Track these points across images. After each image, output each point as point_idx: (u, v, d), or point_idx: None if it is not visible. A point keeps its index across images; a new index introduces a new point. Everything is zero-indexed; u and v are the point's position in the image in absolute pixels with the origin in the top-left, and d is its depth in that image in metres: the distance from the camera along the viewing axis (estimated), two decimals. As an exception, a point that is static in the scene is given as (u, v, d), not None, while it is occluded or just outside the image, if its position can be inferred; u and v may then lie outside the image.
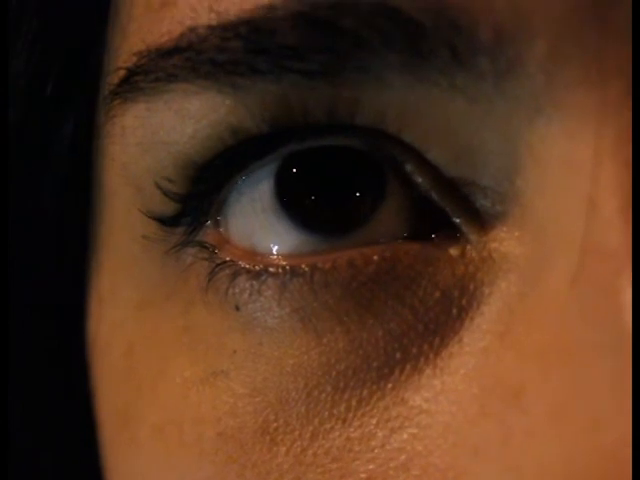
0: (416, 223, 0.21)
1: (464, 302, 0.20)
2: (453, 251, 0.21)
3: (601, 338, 0.18)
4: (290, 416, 0.21)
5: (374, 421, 0.20)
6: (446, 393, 0.20)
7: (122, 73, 0.22)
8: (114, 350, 0.24)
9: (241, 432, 0.21)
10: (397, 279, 0.21)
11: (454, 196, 0.21)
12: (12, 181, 0.25)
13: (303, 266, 0.21)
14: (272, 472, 0.21)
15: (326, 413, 0.21)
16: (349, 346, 0.21)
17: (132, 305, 0.24)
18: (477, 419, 0.19)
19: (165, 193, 0.22)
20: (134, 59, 0.21)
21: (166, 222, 0.22)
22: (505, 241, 0.20)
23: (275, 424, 0.21)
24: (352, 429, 0.20)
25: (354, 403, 0.20)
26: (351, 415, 0.20)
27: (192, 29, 0.20)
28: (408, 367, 0.20)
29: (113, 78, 0.22)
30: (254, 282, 0.21)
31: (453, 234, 0.21)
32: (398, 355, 0.20)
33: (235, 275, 0.22)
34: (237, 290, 0.22)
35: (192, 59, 0.20)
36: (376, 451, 0.20)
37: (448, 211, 0.21)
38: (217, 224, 0.22)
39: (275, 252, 0.22)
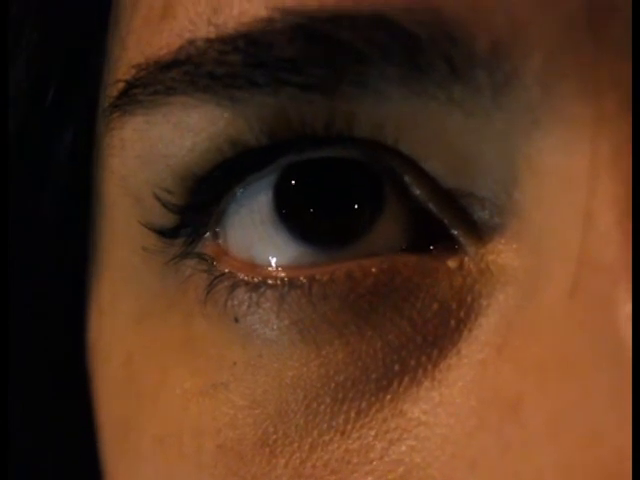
0: (414, 235, 0.21)
1: (462, 314, 0.20)
2: (451, 263, 0.21)
3: (598, 351, 0.18)
4: (289, 428, 0.21)
5: (373, 433, 0.20)
6: (444, 405, 0.20)
7: (121, 86, 0.22)
8: (114, 360, 0.24)
9: (240, 444, 0.21)
10: (395, 291, 0.21)
11: (452, 208, 0.21)
12: (12, 191, 0.25)
13: (301, 278, 0.21)
14: None
15: (325, 425, 0.21)
16: (348, 358, 0.21)
17: (132, 316, 0.24)
18: (475, 431, 0.19)
19: (164, 204, 0.22)
20: (133, 72, 0.21)
21: (165, 234, 0.22)
22: (503, 253, 0.20)
23: (274, 436, 0.21)
24: (351, 441, 0.20)
25: (353, 415, 0.20)
26: (350, 427, 0.20)
27: (191, 42, 0.20)
28: (406, 379, 0.20)
29: (112, 90, 0.22)
30: (253, 294, 0.21)
31: (451, 246, 0.21)
32: (397, 367, 0.20)
33: (234, 287, 0.22)
34: (236, 302, 0.22)
35: (191, 72, 0.20)
36: (375, 463, 0.20)
37: (446, 223, 0.21)
38: (216, 235, 0.22)
39: (274, 264, 0.22)
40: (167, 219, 0.22)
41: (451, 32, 0.19)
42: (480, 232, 0.21)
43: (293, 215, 0.22)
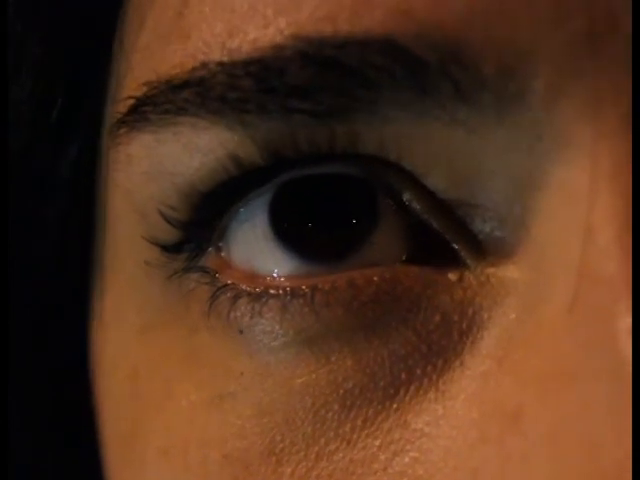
0: (414, 248, 0.21)
1: (464, 326, 0.20)
2: (452, 276, 0.21)
3: (598, 364, 0.18)
4: (296, 436, 0.21)
5: (377, 443, 0.20)
6: (447, 418, 0.20)
7: (130, 102, 0.22)
8: (119, 373, 0.24)
9: (247, 453, 0.21)
10: (398, 300, 0.21)
11: (452, 221, 0.21)
12: (15, 205, 0.25)
13: (303, 287, 0.21)
14: None
15: (332, 433, 0.21)
16: (356, 365, 0.21)
17: (135, 329, 0.24)
18: (476, 443, 0.19)
19: (168, 220, 0.22)
20: (144, 89, 0.21)
21: (169, 248, 0.23)
22: (503, 266, 0.20)
23: (281, 445, 0.21)
24: (356, 451, 0.21)
25: (359, 423, 0.21)
26: (355, 436, 0.21)
27: (204, 64, 0.20)
28: (412, 388, 0.20)
29: (121, 106, 0.22)
30: (255, 305, 0.22)
31: (451, 259, 0.21)
32: (403, 376, 0.21)
33: (236, 298, 0.22)
34: (239, 313, 0.22)
35: (202, 94, 0.20)
36: (378, 474, 0.20)
37: (446, 236, 0.21)
38: (219, 250, 0.22)
39: (275, 274, 0.22)
40: (171, 234, 0.22)
41: (460, 56, 0.19)
42: (481, 245, 0.21)
43: (290, 231, 0.22)
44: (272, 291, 0.21)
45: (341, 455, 0.21)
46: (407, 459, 0.20)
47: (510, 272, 0.20)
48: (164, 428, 0.23)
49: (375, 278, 0.21)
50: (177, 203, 0.22)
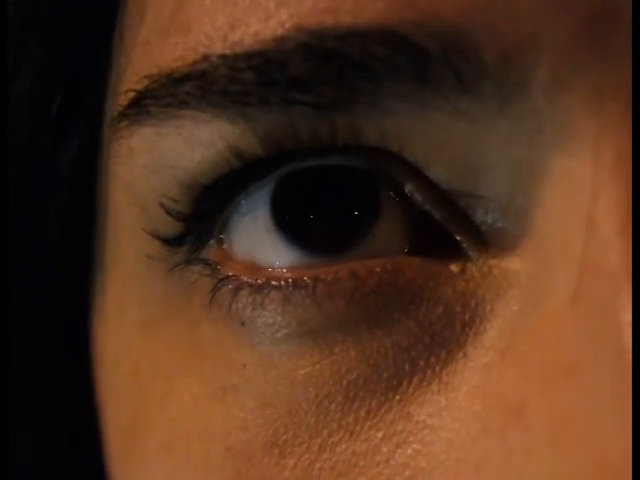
0: (416, 239, 0.21)
1: (467, 318, 0.20)
2: (454, 267, 0.21)
3: (601, 356, 0.18)
4: (299, 428, 0.21)
5: (380, 435, 0.20)
6: (450, 410, 0.20)
7: (131, 95, 0.22)
8: (121, 368, 0.24)
9: (250, 445, 0.21)
10: (400, 292, 0.21)
11: (454, 212, 0.21)
12: (15, 200, 0.25)
13: (305, 278, 0.21)
14: None
15: (335, 425, 0.21)
16: (360, 356, 0.21)
17: (137, 324, 0.24)
18: (479, 436, 0.19)
19: (169, 213, 0.22)
20: (145, 82, 0.21)
21: (170, 241, 0.23)
22: (505, 258, 0.20)
23: (284, 436, 0.21)
24: (358, 442, 0.21)
25: (362, 414, 0.21)
26: (358, 428, 0.21)
27: (205, 57, 0.20)
28: (416, 379, 0.20)
29: (122, 100, 0.22)
30: (257, 296, 0.22)
31: (454, 250, 0.21)
32: (407, 367, 0.21)
33: (238, 290, 0.22)
34: (240, 305, 0.22)
35: (204, 87, 0.20)
36: (381, 466, 0.20)
37: (448, 228, 0.21)
38: (220, 242, 0.22)
39: (277, 266, 0.22)
40: (172, 227, 0.22)
41: (461, 45, 0.19)
42: (483, 237, 0.21)
43: (292, 223, 0.22)
44: (274, 282, 0.21)
45: (344, 447, 0.21)
46: (410, 451, 0.20)
47: (512, 264, 0.20)
48: (167, 422, 0.23)
49: (377, 269, 0.21)
50: (178, 196, 0.22)
